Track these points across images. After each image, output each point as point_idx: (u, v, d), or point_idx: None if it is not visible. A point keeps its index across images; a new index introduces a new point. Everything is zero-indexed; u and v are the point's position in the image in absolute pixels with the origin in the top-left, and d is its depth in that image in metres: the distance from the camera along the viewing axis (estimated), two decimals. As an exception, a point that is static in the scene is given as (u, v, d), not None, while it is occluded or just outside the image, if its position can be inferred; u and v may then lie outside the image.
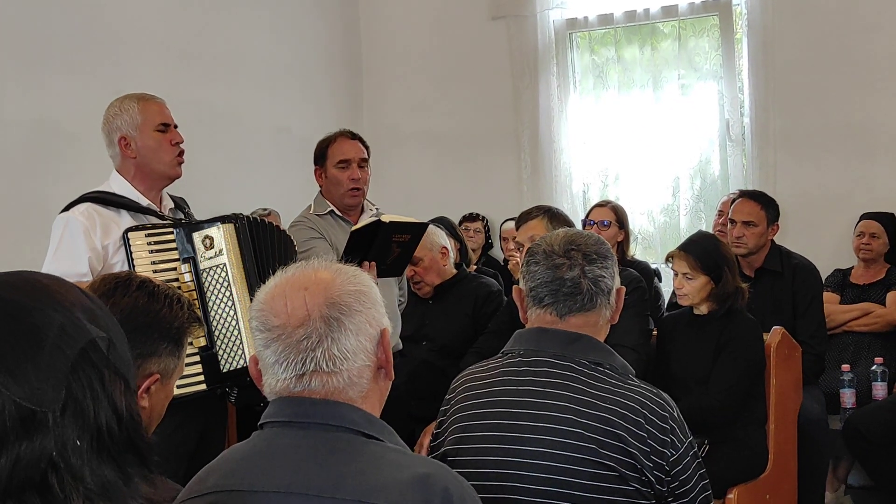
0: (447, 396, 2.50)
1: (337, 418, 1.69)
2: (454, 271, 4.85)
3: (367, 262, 3.65)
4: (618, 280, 2.42)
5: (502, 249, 6.61)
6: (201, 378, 3.24)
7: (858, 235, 5.56)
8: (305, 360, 1.68)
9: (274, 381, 1.71)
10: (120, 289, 1.97)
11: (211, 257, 3.35)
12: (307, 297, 1.70)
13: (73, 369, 1.17)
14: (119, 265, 3.31)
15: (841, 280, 5.58)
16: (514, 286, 2.52)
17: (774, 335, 4.06)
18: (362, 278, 1.78)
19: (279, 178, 6.49)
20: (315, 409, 1.69)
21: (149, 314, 1.93)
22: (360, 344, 1.71)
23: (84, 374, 1.18)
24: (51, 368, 1.15)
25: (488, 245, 6.98)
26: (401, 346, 4.30)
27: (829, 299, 5.32)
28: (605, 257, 2.38)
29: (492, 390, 2.35)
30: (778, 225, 5.00)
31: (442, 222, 5.65)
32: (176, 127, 3.53)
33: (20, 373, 1.14)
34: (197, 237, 3.36)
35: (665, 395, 2.29)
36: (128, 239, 3.27)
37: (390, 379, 1.79)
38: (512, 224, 5.98)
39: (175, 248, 3.35)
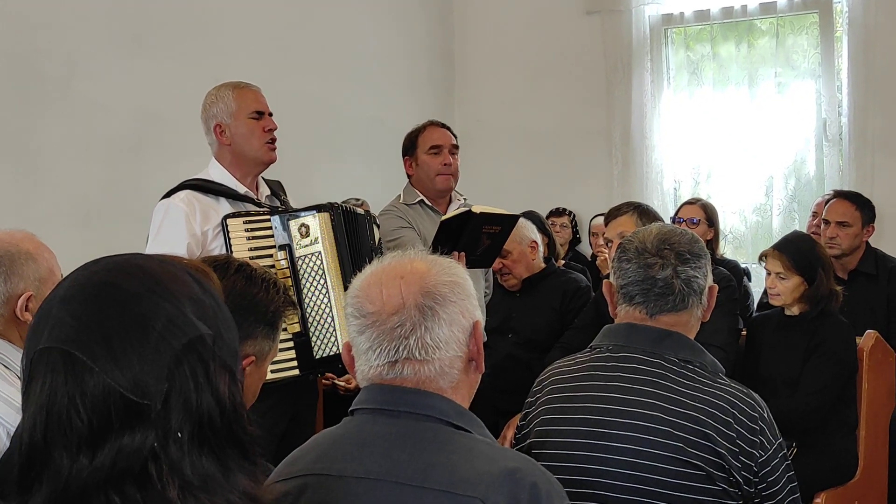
0: (534, 388, 2.50)
1: (427, 408, 1.71)
2: (543, 265, 4.84)
3: (456, 252, 3.66)
4: (710, 278, 2.38)
5: (591, 245, 6.59)
6: (294, 364, 3.30)
7: (956, 241, 5.42)
8: (399, 347, 1.70)
9: (367, 368, 1.74)
10: (219, 271, 2.01)
11: (306, 245, 3.40)
12: (402, 286, 1.72)
13: (178, 361, 1.18)
14: (217, 250, 3.39)
15: (938, 284, 5.43)
16: (605, 280, 2.49)
17: (868, 339, 3.98)
18: (457, 270, 1.79)
19: (371, 169, 6.56)
20: (406, 398, 1.71)
21: (245, 297, 1.97)
22: (453, 334, 1.72)
23: (189, 365, 1.19)
24: (156, 359, 1.17)
25: (576, 240, 6.96)
26: (486, 338, 4.31)
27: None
28: (699, 256, 2.34)
29: (579, 384, 2.33)
30: (873, 227, 4.91)
31: (530, 216, 5.64)
32: (271, 115, 3.59)
33: (125, 361, 1.16)
34: (293, 225, 3.42)
35: (755, 395, 2.27)
36: (226, 225, 3.35)
37: (480, 371, 1.80)
38: (601, 220, 5.96)
39: (272, 235, 3.41)
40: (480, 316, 1.80)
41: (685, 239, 2.36)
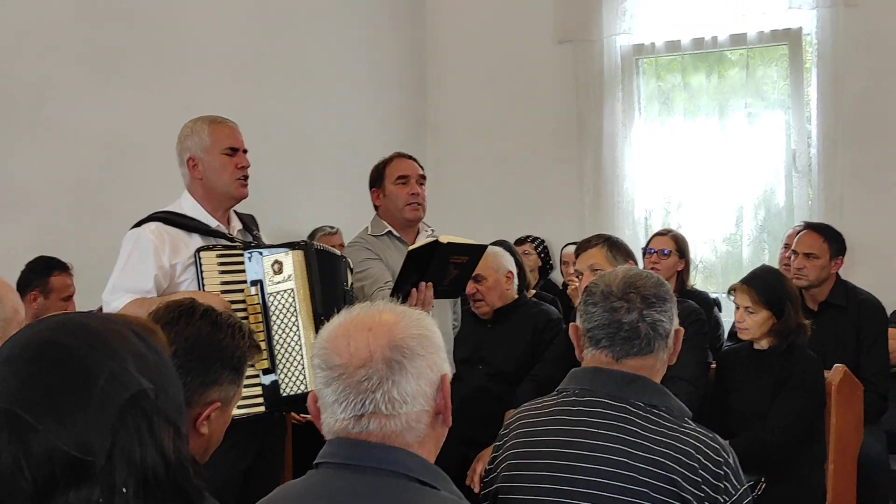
0: (501, 432, 2.50)
1: (393, 463, 1.70)
2: (516, 296, 4.85)
3: (423, 283, 3.66)
4: (676, 321, 2.40)
5: (562, 273, 6.60)
6: (261, 401, 3.28)
7: (926, 272, 5.47)
8: (365, 401, 1.69)
9: (332, 421, 1.73)
10: (184, 317, 2.01)
11: (279, 282, 3.40)
12: (370, 339, 1.71)
13: (121, 416, 1.19)
14: (186, 284, 3.38)
15: (907, 317, 5.48)
16: (571, 323, 2.50)
17: (836, 373, 4.00)
18: (426, 322, 1.79)
19: (343, 196, 6.54)
20: (372, 453, 1.70)
21: (212, 343, 1.97)
22: (420, 388, 1.72)
23: (132, 420, 1.20)
24: (99, 416, 1.17)
25: (547, 268, 6.97)
26: (454, 371, 4.31)
27: (894, 336, 5.23)
28: (664, 300, 2.36)
29: (546, 429, 2.33)
30: (842, 259, 4.94)
31: (501, 246, 5.64)
32: (245, 151, 3.59)
33: (69, 420, 1.16)
34: (266, 261, 3.41)
35: (721, 440, 2.27)
36: (199, 258, 3.34)
37: (447, 425, 1.80)
38: (572, 248, 5.97)
39: (244, 270, 3.40)
40: (449, 369, 1.80)
41: (651, 282, 2.38)
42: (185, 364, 1.96)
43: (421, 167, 4.31)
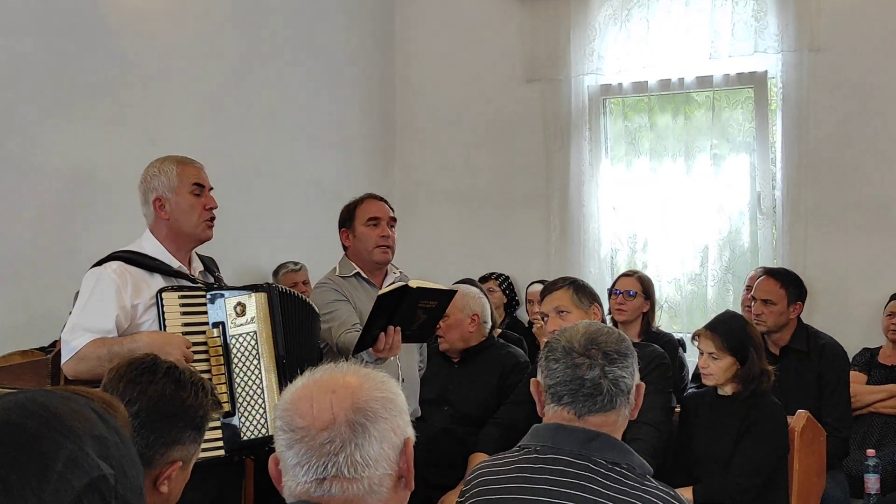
0: (463, 488, 2.47)
1: None
2: (482, 338, 4.83)
3: (391, 327, 3.65)
4: (637, 376, 2.41)
5: (528, 311, 6.60)
6: (220, 444, 3.24)
7: (889, 315, 5.52)
8: (327, 464, 1.67)
9: (294, 484, 1.70)
10: (147, 375, 1.99)
11: (241, 324, 3.38)
12: (334, 401, 1.70)
13: (79, 501, 1.15)
14: (148, 324, 3.34)
15: (869, 359, 5.52)
16: (532, 379, 2.48)
17: (799, 419, 4.02)
18: (390, 385, 1.77)
19: (308, 231, 6.52)
20: None
21: (175, 403, 1.94)
22: (384, 452, 1.70)
23: None
24: (55, 500, 1.13)
25: (512, 305, 6.96)
26: (419, 413, 4.29)
27: (856, 379, 5.27)
28: (626, 356, 2.36)
29: (507, 486, 2.31)
30: (801, 305, 4.97)
31: (469, 284, 5.63)
32: (211, 190, 3.56)
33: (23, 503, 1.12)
34: (229, 303, 3.39)
35: (683, 498, 2.27)
36: (161, 299, 3.30)
37: (410, 489, 1.78)
38: (538, 287, 5.97)
39: (206, 312, 3.37)
40: (412, 433, 1.78)
41: (612, 338, 2.38)
42: (148, 423, 1.94)
43: (391, 209, 4.30)
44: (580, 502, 2.19)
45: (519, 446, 2.41)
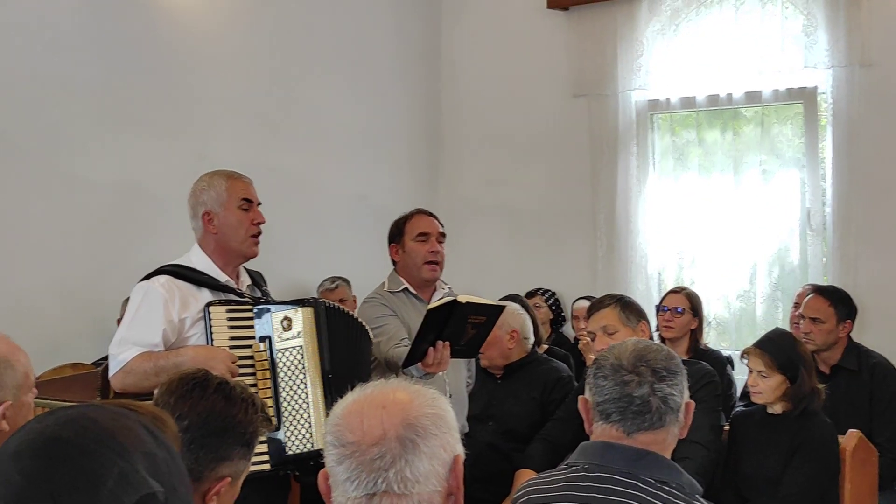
0: None
1: None
2: (524, 353, 4.81)
3: (440, 342, 3.64)
4: (687, 394, 2.37)
5: (573, 328, 6.56)
6: (266, 458, 3.25)
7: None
8: (377, 479, 1.65)
9: (344, 500, 1.69)
10: (197, 390, 1.99)
11: (288, 339, 3.39)
12: (384, 417, 1.69)
13: None
14: (195, 338, 3.36)
15: (921, 378, 5.42)
16: (580, 396, 2.46)
17: (850, 438, 3.96)
18: (440, 402, 1.76)
19: (354, 246, 6.55)
20: None
21: (225, 419, 1.95)
22: (433, 468, 1.68)
23: None
24: None
25: (559, 321, 6.92)
26: (467, 429, 4.28)
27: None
28: (675, 373, 2.33)
29: None
30: (851, 323, 4.90)
31: (514, 300, 5.61)
32: (259, 205, 3.58)
33: None
34: (276, 317, 3.40)
35: None
36: (209, 313, 3.32)
37: None
38: (584, 303, 5.94)
39: (253, 326, 3.38)
40: (462, 450, 1.77)
41: (661, 355, 2.35)
42: (198, 439, 1.94)
43: (441, 224, 4.30)
44: None
45: (566, 464, 2.39)
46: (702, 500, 2.25)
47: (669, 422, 2.30)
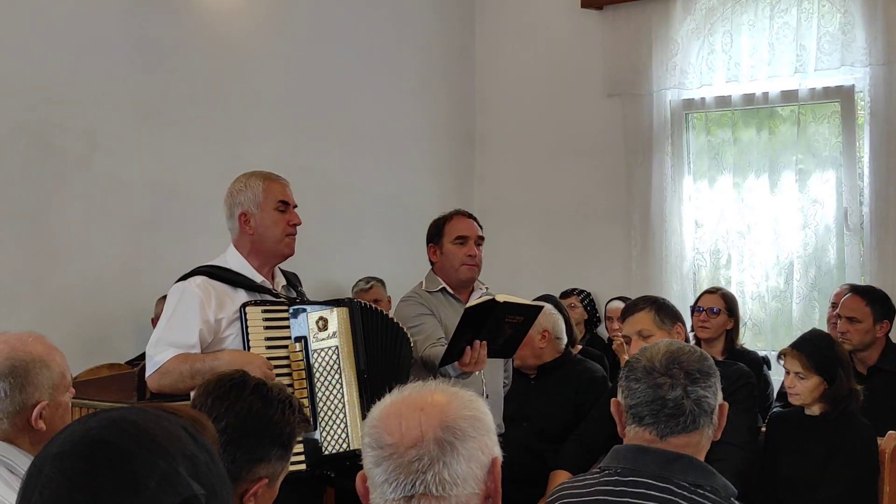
0: None
1: None
2: (557, 354, 4.80)
3: (478, 342, 3.63)
4: (720, 396, 2.34)
5: (607, 328, 6.53)
6: (302, 458, 3.25)
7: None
8: (415, 482, 1.65)
9: (381, 502, 1.68)
10: (235, 391, 2.00)
11: (323, 339, 3.39)
12: (422, 419, 1.68)
13: None
14: (231, 339, 3.38)
15: (961, 380, 5.35)
16: (613, 399, 2.43)
17: (889, 440, 3.91)
18: (478, 404, 1.75)
19: (387, 247, 6.56)
20: None
21: (262, 420, 1.95)
22: (471, 471, 1.68)
23: None
24: None
25: (593, 321, 6.90)
26: (503, 429, 4.27)
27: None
28: (709, 375, 2.30)
29: None
30: (889, 323, 4.85)
31: (548, 301, 5.59)
32: (295, 207, 3.59)
33: None
34: (311, 317, 3.41)
35: None
36: (245, 313, 3.33)
37: None
38: (618, 304, 5.92)
39: (289, 326, 3.39)
40: (500, 452, 1.76)
41: (694, 357, 2.32)
42: (235, 440, 1.95)
43: (480, 226, 4.29)
44: None
45: (599, 468, 2.36)
46: (737, 502, 2.22)
47: (703, 424, 2.27)
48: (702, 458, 2.29)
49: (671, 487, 2.19)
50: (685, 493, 2.18)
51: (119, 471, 1.17)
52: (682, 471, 2.21)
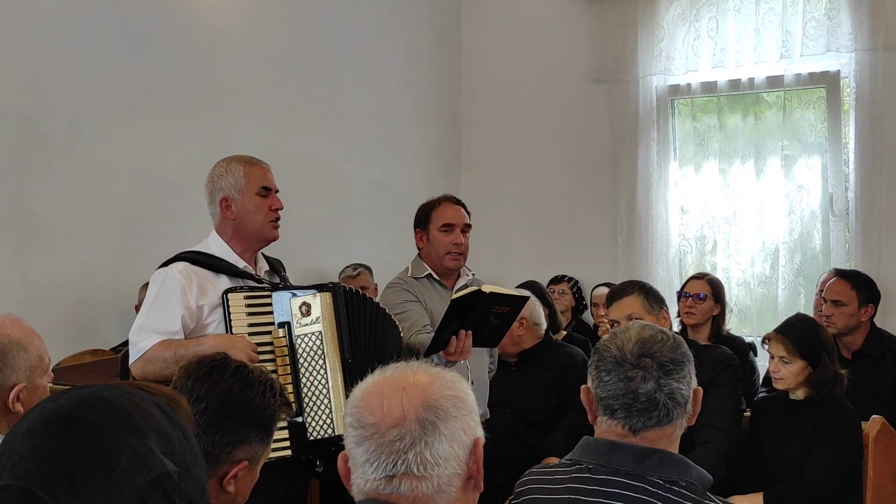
0: (513, 500, 2.36)
1: None
2: (537, 340, 4.80)
3: (463, 331, 3.64)
4: (694, 382, 2.26)
5: (593, 315, 6.54)
6: (287, 444, 3.25)
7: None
8: (397, 461, 1.65)
9: (363, 482, 1.69)
10: (215, 373, 1.99)
11: (307, 324, 3.38)
12: (404, 398, 1.68)
13: (142, 498, 1.15)
14: (214, 325, 3.36)
15: (945, 365, 5.38)
16: (583, 386, 2.32)
17: (873, 424, 3.93)
18: (460, 384, 1.75)
19: (374, 233, 6.55)
20: None
21: (242, 401, 1.95)
22: (453, 451, 1.68)
23: (153, 502, 1.16)
24: (119, 496, 1.14)
25: (580, 308, 6.91)
26: (488, 415, 4.27)
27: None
28: (682, 364, 2.21)
29: None
30: (873, 307, 4.87)
31: (531, 287, 5.60)
32: (277, 192, 3.57)
33: (87, 499, 1.12)
34: (294, 303, 3.40)
35: None
36: (227, 300, 3.32)
37: (479, 491, 1.75)
38: (604, 290, 5.92)
39: (271, 312, 3.38)
40: (481, 433, 1.76)
41: (667, 346, 2.22)
42: (215, 422, 1.94)
43: (468, 213, 4.28)
44: None
45: (570, 460, 2.28)
46: (712, 496, 2.15)
47: (677, 416, 2.19)
48: (676, 447, 2.23)
49: (645, 486, 2.12)
50: (660, 491, 2.11)
51: (90, 447, 1.16)
52: (657, 467, 2.14)
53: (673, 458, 2.18)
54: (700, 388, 2.29)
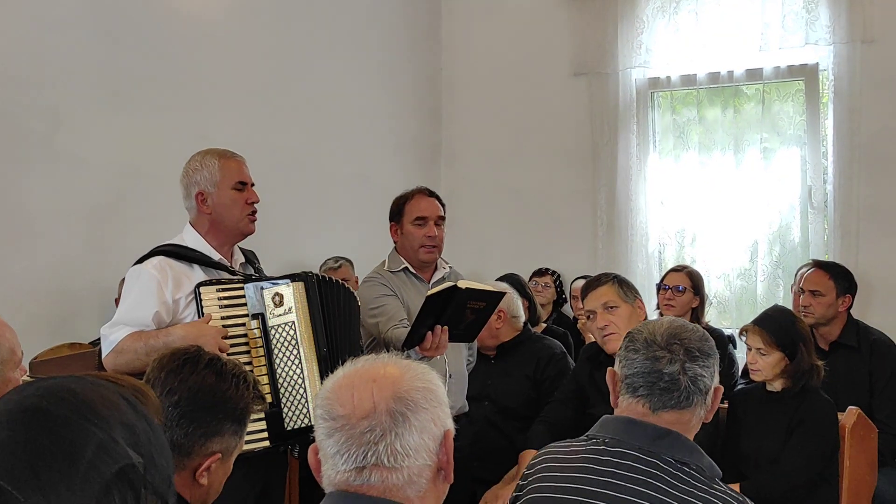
0: (526, 471, 2.43)
1: None
2: (516, 333, 4.80)
3: (439, 326, 3.64)
4: (717, 378, 2.34)
5: (572, 307, 6.55)
6: (265, 435, 3.25)
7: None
8: (367, 453, 1.66)
9: (333, 473, 1.69)
10: (188, 365, 1.99)
11: (280, 314, 3.37)
12: (375, 390, 1.69)
13: (107, 490, 1.14)
14: (190, 318, 3.34)
15: (921, 356, 5.40)
16: (609, 368, 2.43)
17: (850, 416, 3.94)
18: (430, 376, 1.76)
19: (354, 225, 6.54)
20: None
21: (215, 394, 1.94)
22: (423, 442, 1.69)
23: (119, 494, 1.15)
24: (84, 488, 1.13)
25: (560, 301, 6.92)
26: (467, 409, 4.28)
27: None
28: (708, 355, 2.30)
29: (572, 475, 2.27)
30: (850, 298, 4.89)
31: (511, 279, 5.61)
32: (253, 185, 3.56)
33: (52, 490, 1.11)
34: (267, 294, 3.38)
35: None
36: (199, 293, 3.30)
37: (449, 482, 1.76)
38: (583, 283, 5.92)
39: (245, 304, 3.36)
40: (452, 425, 1.76)
41: (696, 336, 2.32)
42: (188, 414, 1.94)
43: (442, 204, 4.27)
44: (646, 500, 2.15)
45: (587, 436, 2.37)
46: (721, 483, 2.22)
47: (696, 403, 2.26)
48: (691, 437, 2.29)
49: (658, 463, 2.20)
50: (671, 469, 2.19)
51: (55, 438, 1.15)
52: (670, 447, 2.22)
53: (686, 442, 2.26)
54: (721, 387, 2.37)
